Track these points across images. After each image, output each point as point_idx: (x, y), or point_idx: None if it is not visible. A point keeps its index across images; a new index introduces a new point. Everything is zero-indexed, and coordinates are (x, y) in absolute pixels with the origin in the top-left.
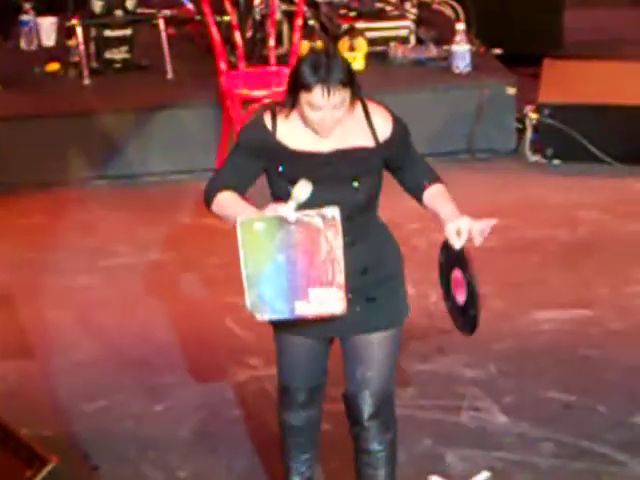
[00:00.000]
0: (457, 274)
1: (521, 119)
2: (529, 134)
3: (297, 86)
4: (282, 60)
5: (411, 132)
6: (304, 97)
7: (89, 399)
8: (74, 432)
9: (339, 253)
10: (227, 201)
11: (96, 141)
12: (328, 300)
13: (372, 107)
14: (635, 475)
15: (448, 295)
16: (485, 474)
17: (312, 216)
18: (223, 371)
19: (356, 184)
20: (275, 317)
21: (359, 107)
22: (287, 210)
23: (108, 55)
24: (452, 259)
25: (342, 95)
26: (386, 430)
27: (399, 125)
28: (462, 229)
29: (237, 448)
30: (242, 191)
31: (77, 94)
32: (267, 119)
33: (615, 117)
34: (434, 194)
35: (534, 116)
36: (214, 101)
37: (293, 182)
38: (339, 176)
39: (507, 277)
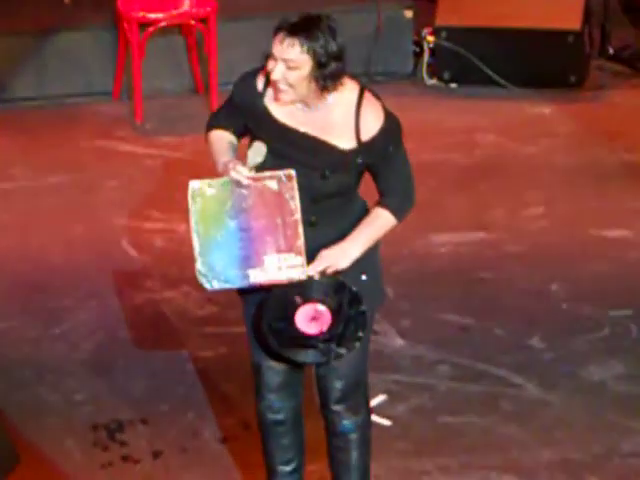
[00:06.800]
0: (311, 308)
1: (418, 42)
2: (426, 57)
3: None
4: None
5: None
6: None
7: None
8: None
9: (297, 216)
10: (214, 143)
11: None
12: (286, 266)
13: (366, 104)
14: (531, 397)
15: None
16: (381, 397)
17: (266, 178)
18: (120, 294)
19: (327, 173)
20: (227, 286)
21: (351, 101)
22: (239, 173)
23: None
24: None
25: (296, 55)
26: (355, 413)
27: (385, 133)
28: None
29: (134, 371)
30: (236, 131)
31: None
32: (260, 80)
33: (511, 40)
34: (370, 215)
35: (431, 39)
36: (111, 24)
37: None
38: (307, 163)
39: None
